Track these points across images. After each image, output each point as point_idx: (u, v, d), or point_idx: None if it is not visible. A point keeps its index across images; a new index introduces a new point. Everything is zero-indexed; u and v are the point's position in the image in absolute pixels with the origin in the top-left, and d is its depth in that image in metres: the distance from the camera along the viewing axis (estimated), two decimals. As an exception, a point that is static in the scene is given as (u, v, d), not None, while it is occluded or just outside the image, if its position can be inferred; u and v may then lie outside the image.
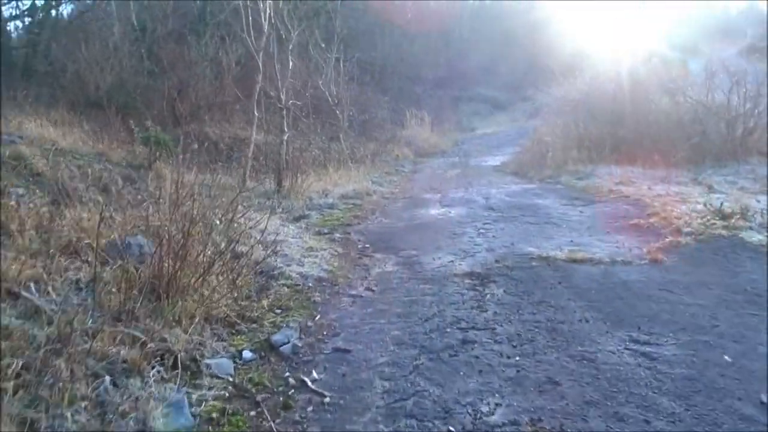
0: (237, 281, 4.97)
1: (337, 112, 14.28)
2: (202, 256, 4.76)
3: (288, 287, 5.34)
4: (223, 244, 5.42)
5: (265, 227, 6.17)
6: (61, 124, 10.99)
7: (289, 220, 8.26)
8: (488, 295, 4.99)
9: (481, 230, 7.41)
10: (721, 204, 7.30)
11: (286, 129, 9.46)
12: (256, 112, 9.48)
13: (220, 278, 4.83)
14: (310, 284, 5.43)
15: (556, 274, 5.45)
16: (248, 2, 9.37)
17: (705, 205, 7.57)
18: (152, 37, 15.24)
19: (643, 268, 5.55)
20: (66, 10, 18.53)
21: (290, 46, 9.78)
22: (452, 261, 6.09)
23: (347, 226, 8.06)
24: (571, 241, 6.64)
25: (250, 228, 7.04)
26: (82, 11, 18.03)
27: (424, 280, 5.50)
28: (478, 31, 36.26)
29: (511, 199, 9.51)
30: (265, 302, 4.92)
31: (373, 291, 5.27)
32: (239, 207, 8.06)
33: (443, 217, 8.35)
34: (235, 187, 9.12)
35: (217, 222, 4.63)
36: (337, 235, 7.43)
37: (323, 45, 14.94)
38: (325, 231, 7.63)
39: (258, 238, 6.64)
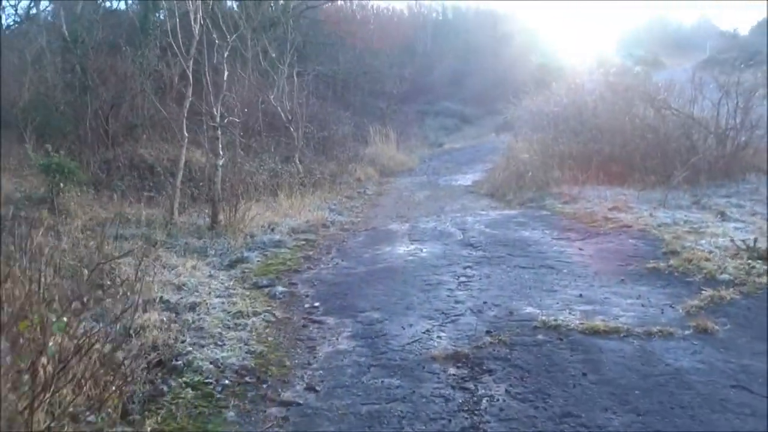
0: (106, 394, 3.20)
1: (292, 129, 12.55)
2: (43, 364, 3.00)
3: (193, 388, 3.59)
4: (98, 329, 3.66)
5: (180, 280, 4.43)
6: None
7: (220, 266, 6.50)
8: (484, 401, 3.34)
9: (462, 278, 5.78)
10: (755, 241, 5.82)
11: (221, 152, 7.69)
12: (185, 132, 7.71)
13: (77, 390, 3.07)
14: (227, 381, 3.69)
15: (576, 356, 3.83)
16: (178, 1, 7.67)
17: (733, 240, 6.09)
18: (83, 48, 13.31)
19: (691, 343, 3.97)
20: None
21: (225, 54, 8.04)
22: (428, 331, 4.44)
23: (294, 274, 6.33)
24: (581, 295, 5.06)
25: (160, 285, 5.29)
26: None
27: (391, 368, 3.82)
28: (443, 44, 35.12)
29: (493, 231, 7.92)
30: (149, 425, 3.17)
31: (316, 392, 3.56)
32: (156, 253, 6.30)
33: (413, 258, 6.69)
34: (159, 223, 7.33)
35: (53, 319, 2.84)
36: (280, 288, 5.70)
37: (274, 55, 13.23)
38: (264, 283, 5.89)
39: (166, 302, 4.90)
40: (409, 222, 9.19)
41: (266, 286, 5.81)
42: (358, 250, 7.31)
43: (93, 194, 8.63)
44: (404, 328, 4.55)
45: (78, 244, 5.54)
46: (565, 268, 5.89)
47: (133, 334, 4.08)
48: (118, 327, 4.13)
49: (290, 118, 12.49)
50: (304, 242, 7.80)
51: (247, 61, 15.57)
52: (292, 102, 12.86)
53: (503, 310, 4.78)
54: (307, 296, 5.54)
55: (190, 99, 7.69)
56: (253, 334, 4.53)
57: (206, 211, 7.86)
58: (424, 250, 7.09)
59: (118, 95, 12.67)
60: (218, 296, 5.34)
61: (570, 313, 4.62)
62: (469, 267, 6.16)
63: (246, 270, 6.41)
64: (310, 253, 7.28)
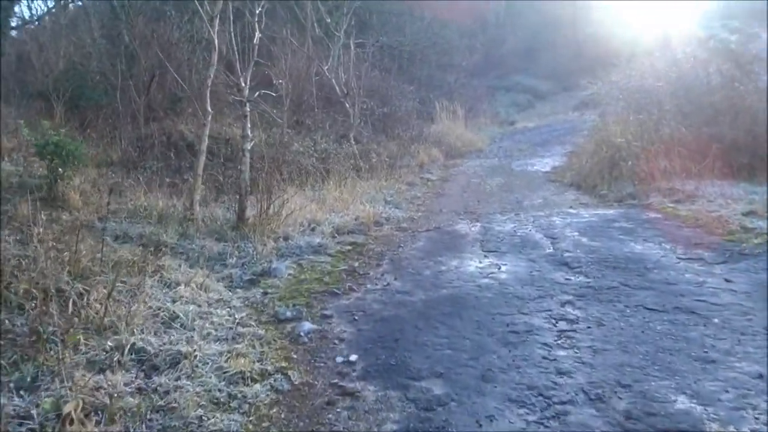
0: None
1: (347, 104, 10.86)
2: None
3: None
4: None
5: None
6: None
7: (238, 282, 4.95)
8: None
9: (562, 323, 3.96)
10: None
11: (248, 132, 6.10)
12: (209, 107, 6.15)
13: None
14: None
15: None
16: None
17: None
18: (126, 12, 12.01)
19: None
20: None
21: (258, 10, 6.38)
22: (522, 439, 2.70)
23: (331, 298, 4.69)
24: (761, 375, 3.16)
25: (144, 317, 3.78)
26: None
27: None
28: (517, 15, 32.30)
29: (592, 241, 5.99)
30: None
31: None
32: (157, 263, 4.81)
33: (489, 282, 4.90)
34: (175, 219, 5.84)
35: None
36: (307, 325, 4.08)
37: (329, 20, 11.50)
38: (288, 315, 4.27)
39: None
40: (480, 221, 7.36)
41: (290, 320, 4.19)
42: (416, 263, 5.58)
43: (106, 179, 7.26)
44: (480, 425, 2.83)
45: (48, 253, 4.09)
46: (714, 315, 3.96)
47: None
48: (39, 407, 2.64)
49: (345, 91, 10.79)
50: (350, 247, 6.14)
51: (305, 29, 13.94)
52: (348, 74, 11.15)
53: (639, 401, 2.96)
54: (341, 340, 3.89)
55: (215, 67, 6.10)
56: (251, 419, 2.93)
57: (234, 205, 6.31)
58: (503, 268, 5.28)
59: (161, 64, 11.35)
60: (218, 339, 3.76)
61: (756, 417, 2.76)
62: (569, 303, 4.32)
63: (270, 290, 4.82)
64: (356, 263, 5.61)
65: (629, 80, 12.55)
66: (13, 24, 14.34)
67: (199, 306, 4.26)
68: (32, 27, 14.30)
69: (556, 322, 3.99)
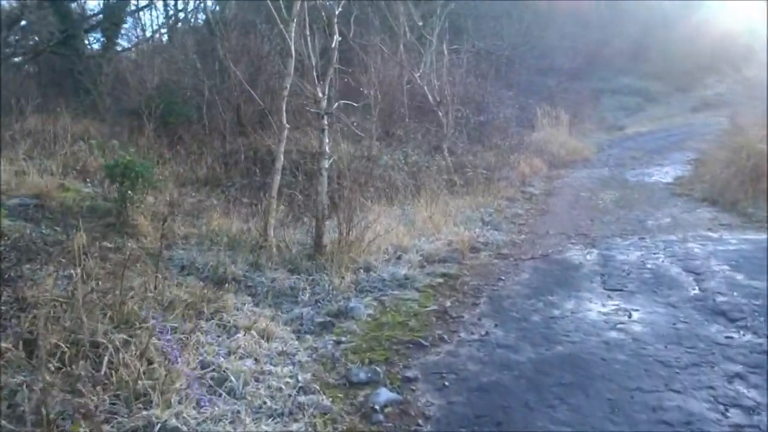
0: None
1: (440, 113, 9.92)
2: None
3: None
4: None
5: None
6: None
7: (308, 327, 4.15)
8: None
9: (736, 417, 2.78)
10: None
11: (326, 149, 5.32)
12: (285, 121, 5.46)
13: None
14: None
15: None
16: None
17: None
18: (220, 28, 11.84)
19: None
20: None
21: (338, 10, 5.62)
22: None
23: (416, 352, 3.76)
24: None
25: (189, 378, 3.07)
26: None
27: None
28: (622, 12, 29.85)
29: (752, 280, 4.63)
30: None
31: None
32: (219, 303, 4.13)
33: (619, 338, 3.75)
34: (247, 246, 5.19)
35: None
36: (384, 394, 3.18)
37: (421, 24, 10.62)
38: (362, 377, 3.40)
39: None
40: (597, 246, 6.15)
41: (364, 385, 3.32)
42: (522, 304, 4.53)
43: (183, 199, 6.79)
44: None
45: (88, 296, 3.51)
46: None
47: None
48: None
49: (438, 99, 9.87)
50: (441, 280, 5.18)
51: (397, 36, 13.16)
52: (442, 81, 10.22)
53: None
54: (427, 419, 2.96)
55: (291, 77, 5.40)
56: None
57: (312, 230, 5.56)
58: (635, 315, 4.11)
59: (251, 78, 11.03)
60: (272, 414, 2.94)
61: None
62: (739, 377, 3.11)
63: (344, 337, 3.97)
64: (448, 302, 4.65)
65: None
66: (126, 45, 14.78)
67: (257, 361, 3.49)
68: (141, 47, 14.70)
69: (727, 410, 2.82)
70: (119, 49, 14.57)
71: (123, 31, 14.94)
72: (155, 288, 3.88)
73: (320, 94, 5.17)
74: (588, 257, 5.73)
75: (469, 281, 5.19)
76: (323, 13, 6.08)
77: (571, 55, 23.14)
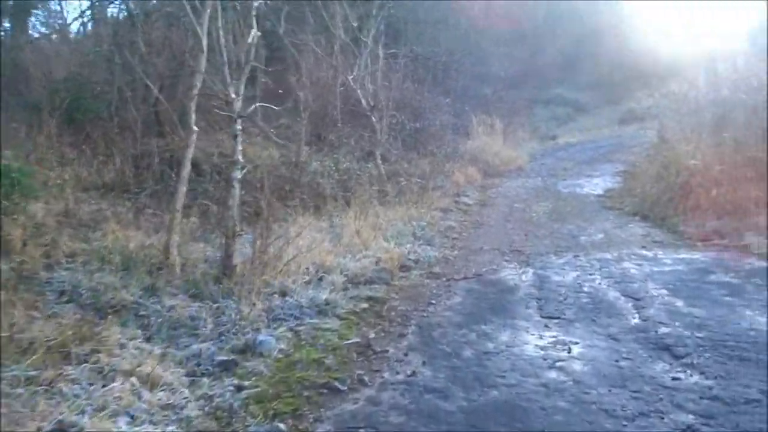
0: None
1: (374, 118, 9.42)
2: None
3: None
4: None
5: None
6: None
7: (207, 366, 3.50)
8: None
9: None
10: None
11: (239, 158, 4.67)
12: (193, 124, 4.78)
13: None
14: None
15: None
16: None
17: None
18: (139, 18, 10.85)
19: None
20: None
21: (255, 3, 5.00)
22: None
23: (329, 399, 3.19)
24: None
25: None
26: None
27: None
28: (555, 23, 30.46)
29: (692, 307, 4.34)
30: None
31: None
32: (98, 337, 3.42)
33: (560, 381, 3.32)
34: (147, 266, 4.47)
35: None
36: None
37: (356, 24, 10.07)
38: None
39: None
40: (532, 264, 5.79)
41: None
42: (453, 335, 4.05)
43: (79, 208, 5.96)
44: None
45: None
46: None
47: None
48: None
49: (372, 104, 9.36)
50: (366, 305, 4.64)
51: (333, 36, 12.54)
52: (377, 84, 9.73)
53: None
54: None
55: (203, 75, 4.73)
56: None
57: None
58: (575, 350, 3.71)
59: (173, 75, 10.16)
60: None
61: None
62: (691, 431, 2.73)
63: (248, 381, 3.35)
64: (372, 334, 4.11)
65: (699, 91, 10.81)
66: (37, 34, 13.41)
67: (134, 418, 2.83)
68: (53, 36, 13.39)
69: (683, 477, 2.41)
70: (31, 38, 13.27)
71: (43, 20, 13.65)
72: (11, 325, 3.14)
73: (233, 95, 4.53)
74: (523, 277, 5.35)
75: (397, 306, 4.69)
76: (237, 6, 5.42)
77: (507, 63, 23.21)
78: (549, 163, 14.54)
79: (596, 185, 11.32)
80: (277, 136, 9.76)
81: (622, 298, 4.64)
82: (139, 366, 3.27)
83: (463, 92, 19.10)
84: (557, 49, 27.79)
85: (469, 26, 21.36)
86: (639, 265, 5.56)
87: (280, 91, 9.08)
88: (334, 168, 8.82)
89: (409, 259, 5.83)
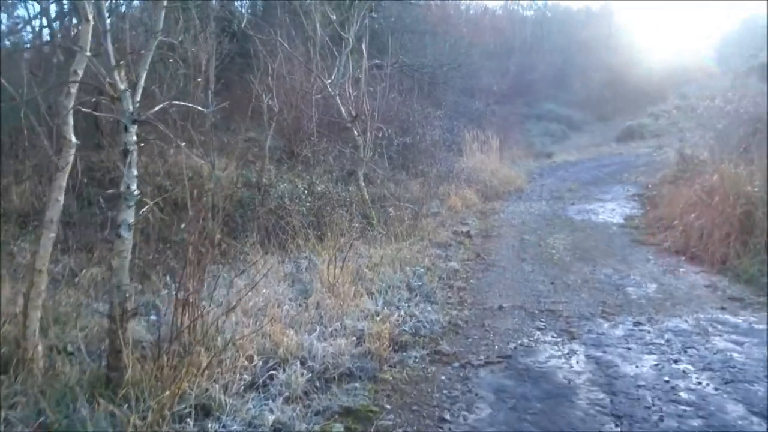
0: None
1: (355, 131, 7.62)
2: None
3: None
4: None
5: None
6: None
7: None
8: None
9: None
10: None
11: (132, 187, 2.80)
12: (72, 135, 2.93)
13: None
14: None
15: None
16: None
17: None
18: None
19: None
20: None
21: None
22: None
23: None
24: None
25: None
26: None
27: None
28: (543, 40, 29.19)
29: None
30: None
31: None
32: None
33: None
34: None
35: None
36: None
37: (333, 17, 8.30)
38: None
39: None
40: (578, 336, 4.02)
41: None
42: None
43: None
44: None
45: None
46: None
47: None
48: None
49: (354, 114, 7.57)
50: (340, 427, 2.83)
51: (311, 39, 10.73)
52: (359, 91, 7.96)
53: None
54: None
55: (87, 56, 2.91)
56: None
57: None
58: None
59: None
60: None
61: None
62: None
63: None
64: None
65: (728, 103, 9.25)
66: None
67: None
68: None
69: None
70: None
71: None
72: None
73: (120, 85, 2.72)
74: (574, 365, 3.57)
75: (390, 429, 2.86)
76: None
77: (498, 77, 21.68)
78: (551, 184, 12.87)
79: (612, 212, 9.65)
80: (243, 152, 7.96)
81: (750, 415, 2.87)
82: None
83: (453, 106, 17.41)
84: (547, 64, 26.41)
85: (457, 38, 19.76)
86: (737, 342, 3.81)
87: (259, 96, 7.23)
88: (306, 191, 7.00)
89: (405, 331, 4.00)
